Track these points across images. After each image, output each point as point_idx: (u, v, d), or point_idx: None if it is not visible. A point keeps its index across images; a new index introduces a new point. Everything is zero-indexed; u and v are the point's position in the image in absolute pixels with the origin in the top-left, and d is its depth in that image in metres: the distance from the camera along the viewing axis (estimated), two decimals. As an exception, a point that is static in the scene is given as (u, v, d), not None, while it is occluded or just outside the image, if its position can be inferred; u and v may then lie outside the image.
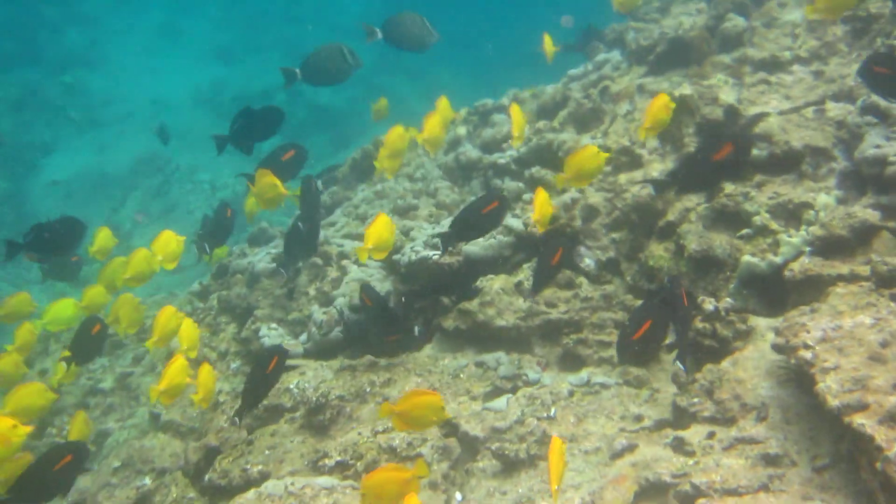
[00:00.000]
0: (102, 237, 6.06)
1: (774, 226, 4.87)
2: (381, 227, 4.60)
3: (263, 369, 4.57)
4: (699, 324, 4.63)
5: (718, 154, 4.40)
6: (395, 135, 5.40)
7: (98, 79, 19.95)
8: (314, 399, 5.03)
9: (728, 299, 4.71)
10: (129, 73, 20.21)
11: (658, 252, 5.28)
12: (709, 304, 4.66)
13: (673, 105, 4.64)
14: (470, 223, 4.75)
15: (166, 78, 19.66)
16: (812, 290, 4.55)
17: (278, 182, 5.15)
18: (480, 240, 5.72)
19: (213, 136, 5.40)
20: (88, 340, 5.33)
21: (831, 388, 3.60)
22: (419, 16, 5.43)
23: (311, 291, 6.08)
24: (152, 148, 16.45)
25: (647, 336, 3.91)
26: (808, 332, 3.99)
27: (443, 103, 5.49)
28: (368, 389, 5.14)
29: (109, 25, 23.08)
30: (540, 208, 4.69)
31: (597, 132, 6.20)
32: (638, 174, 5.69)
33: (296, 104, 20.01)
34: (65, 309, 5.86)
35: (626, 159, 5.82)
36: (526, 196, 6.02)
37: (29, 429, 4.22)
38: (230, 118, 5.43)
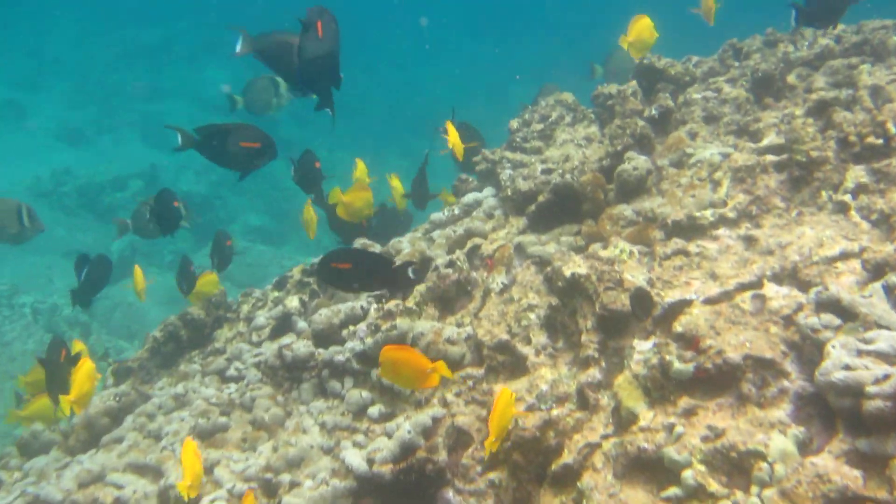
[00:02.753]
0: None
1: (714, 486, 3.36)
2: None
3: None
4: None
5: None
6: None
7: (-84, 171, 17.40)
8: None
9: None
10: (-44, 164, 17.68)
11: (553, 509, 3.73)
12: None
13: (656, 34, 4.90)
14: None
15: (2, 166, 17.26)
16: None
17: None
18: (307, 487, 4.05)
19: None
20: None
21: None
22: None
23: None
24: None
25: None
26: None
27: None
28: None
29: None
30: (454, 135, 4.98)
31: (465, 314, 4.64)
32: (521, 383, 4.15)
33: (152, 190, 17.96)
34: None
35: (505, 359, 4.28)
36: (372, 411, 4.39)
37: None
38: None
